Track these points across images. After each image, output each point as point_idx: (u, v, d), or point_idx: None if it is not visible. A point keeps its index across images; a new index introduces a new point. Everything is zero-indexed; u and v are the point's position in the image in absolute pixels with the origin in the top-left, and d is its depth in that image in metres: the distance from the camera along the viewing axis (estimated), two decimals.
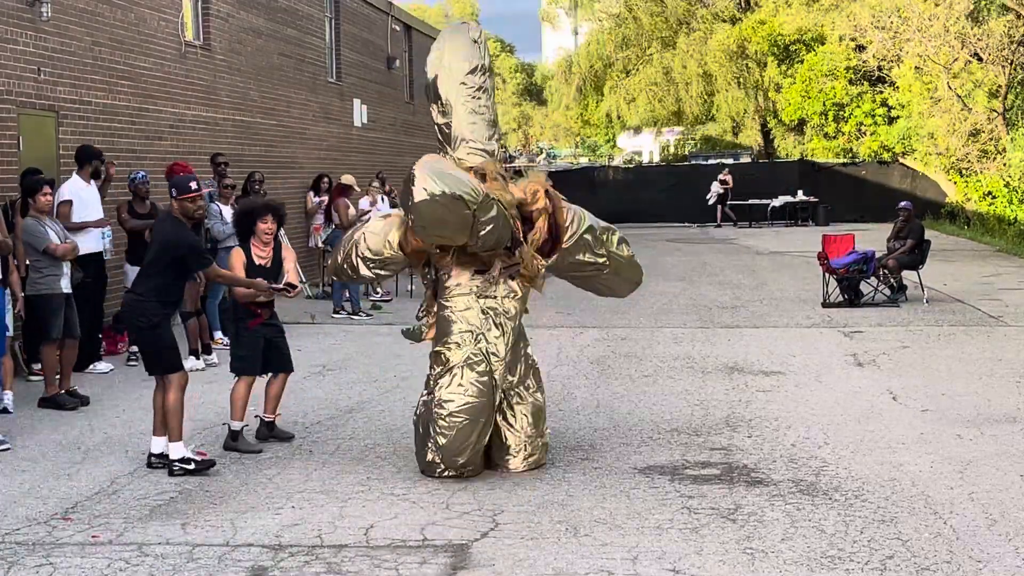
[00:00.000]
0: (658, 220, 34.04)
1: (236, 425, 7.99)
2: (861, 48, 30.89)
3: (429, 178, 6.80)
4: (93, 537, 6.10)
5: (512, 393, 7.46)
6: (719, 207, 33.15)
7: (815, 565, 5.51)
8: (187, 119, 15.11)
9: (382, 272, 7.87)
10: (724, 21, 38.15)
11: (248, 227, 8.20)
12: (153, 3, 14.25)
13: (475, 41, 7.61)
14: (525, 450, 7.40)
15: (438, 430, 7.08)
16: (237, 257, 8.11)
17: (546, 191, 7.49)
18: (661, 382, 10.27)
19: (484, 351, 7.20)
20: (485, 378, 7.15)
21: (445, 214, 6.84)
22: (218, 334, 12.45)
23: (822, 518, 6.23)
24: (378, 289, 16.75)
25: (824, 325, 13.59)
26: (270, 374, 8.25)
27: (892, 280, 15.40)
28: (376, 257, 7.64)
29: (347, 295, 14.97)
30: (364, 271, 7.73)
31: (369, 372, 10.96)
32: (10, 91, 11.18)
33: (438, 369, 7.26)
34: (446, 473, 7.16)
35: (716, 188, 33.02)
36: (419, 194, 6.78)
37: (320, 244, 16.97)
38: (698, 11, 38.52)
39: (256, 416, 8.34)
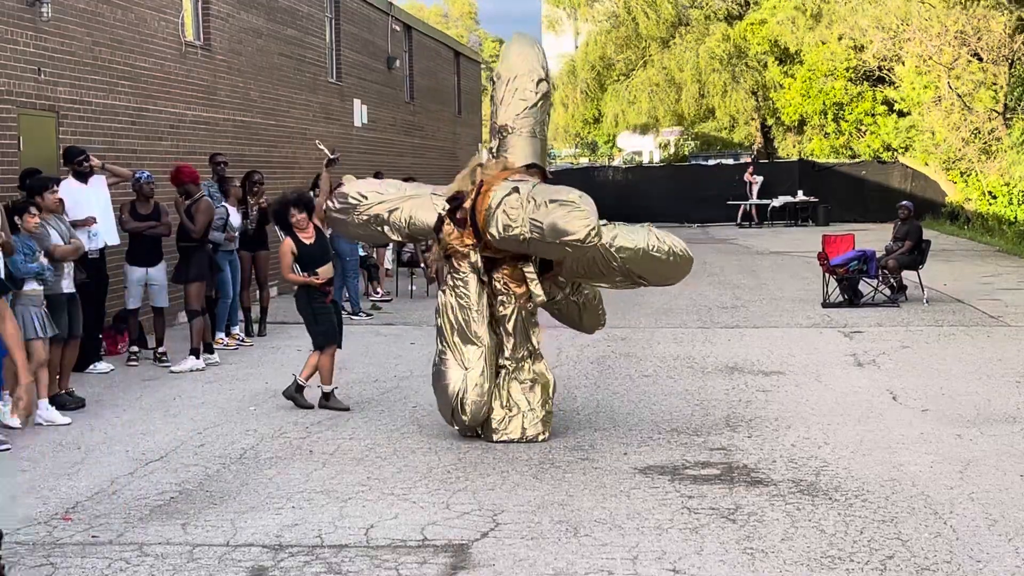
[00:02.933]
0: (658, 220, 34.03)
1: (327, 388, 9.29)
2: (861, 48, 30.90)
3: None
4: (93, 537, 6.10)
5: (504, 372, 8.25)
6: (743, 206, 33.05)
7: (815, 565, 5.51)
8: (187, 119, 15.11)
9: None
10: (721, 20, 38.17)
11: (284, 220, 9.48)
12: (153, 3, 14.25)
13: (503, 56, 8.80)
14: (516, 423, 8.14)
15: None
16: (286, 245, 9.36)
17: (481, 182, 8.20)
18: (661, 382, 10.27)
19: (443, 329, 8.24)
20: (448, 352, 8.20)
21: (336, 224, 8.95)
22: (220, 334, 12.45)
23: (822, 518, 6.23)
24: (378, 289, 16.76)
25: (824, 325, 13.59)
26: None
27: (892, 280, 15.41)
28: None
29: (347, 295, 14.97)
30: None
31: (369, 372, 10.96)
32: (10, 91, 11.18)
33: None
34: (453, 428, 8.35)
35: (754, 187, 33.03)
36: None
37: None
38: (693, 12, 38.52)
39: (318, 387, 9.39)
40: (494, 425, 8.17)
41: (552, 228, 7.48)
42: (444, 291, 8.34)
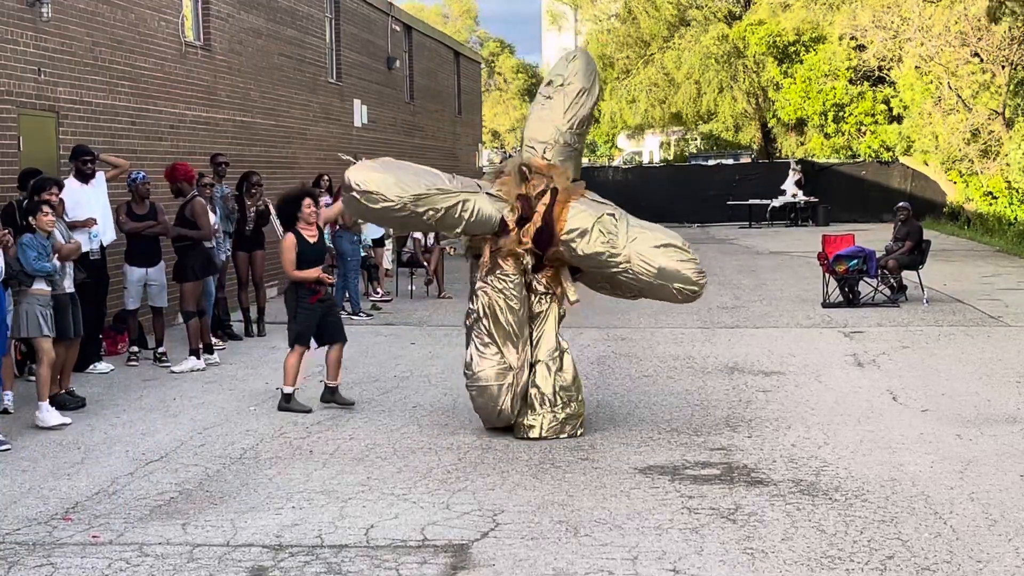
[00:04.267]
0: (658, 220, 33.95)
1: (288, 389, 9.20)
2: (861, 48, 30.88)
3: (347, 178, 7.96)
4: (93, 537, 6.10)
5: (536, 370, 8.30)
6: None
7: (815, 565, 5.51)
8: (187, 120, 15.11)
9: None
10: (721, 20, 38.18)
11: (293, 212, 9.30)
12: (153, 3, 14.25)
13: (567, 61, 8.76)
14: (547, 420, 8.22)
15: (471, 396, 8.36)
16: (289, 241, 9.21)
17: (554, 189, 8.27)
18: (661, 382, 10.27)
19: (488, 329, 8.19)
20: (493, 351, 8.17)
21: (362, 209, 8.11)
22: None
23: (822, 518, 6.23)
24: (378, 290, 16.75)
25: (824, 325, 13.59)
26: (327, 345, 9.36)
27: (892, 280, 15.41)
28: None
29: (347, 295, 14.96)
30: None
31: (369, 372, 10.96)
32: (10, 91, 11.18)
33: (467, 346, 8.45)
34: (489, 426, 8.40)
35: (791, 187, 32.62)
36: (343, 193, 8.17)
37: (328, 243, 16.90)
38: (694, 12, 38.53)
39: (321, 382, 9.62)
40: (526, 422, 8.25)
41: (664, 271, 8.12)
42: (486, 292, 8.23)
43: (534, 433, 8.19)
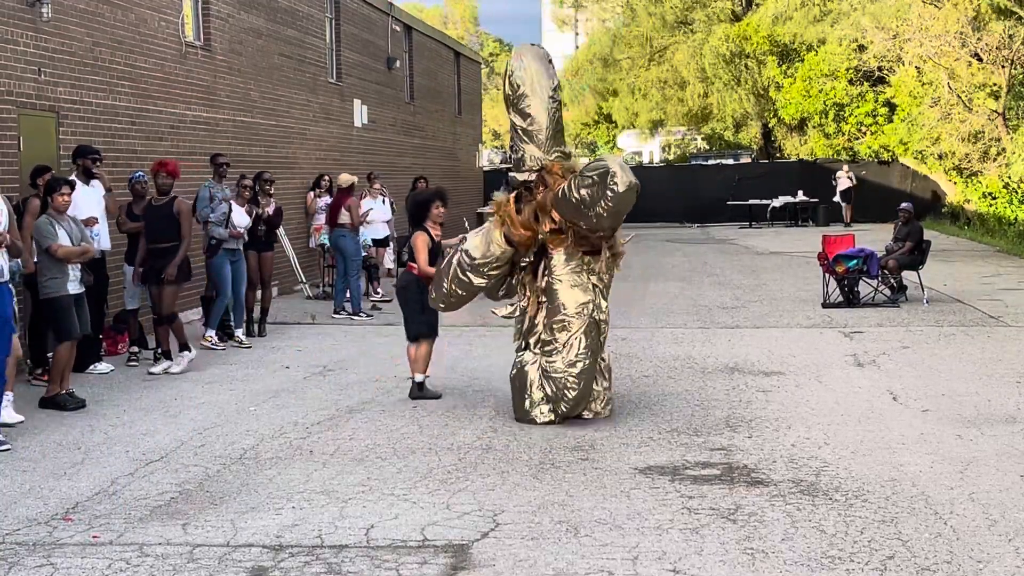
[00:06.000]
0: (658, 220, 34.06)
1: (419, 378, 9.60)
2: (862, 48, 30.91)
3: (627, 171, 8.23)
4: (93, 537, 6.10)
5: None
6: (847, 205, 32.28)
7: (815, 565, 5.51)
8: (187, 120, 15.11)
9: (495, 272, 8.79)
10: (723, 21, 38.23)
11: (423, 213, 9.60)
12: (153, 3, 14.25)
13: (550, 62, 8.94)
14: (601, 400, 8.74)
15: (569, 385, 8.47)
16: (422, 239, 9.46)
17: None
18: (661, 383, 10.27)
19: (596, 319, 8.53)
20: (596, 342, 8.53)
21: (631, 202, 8.31)
22: (210, 332, 12.37)
23: (822, 518, 6.23)
24: (378, 290, 16.75)
25: (824, 325, 13.59)
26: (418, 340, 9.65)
27: (892, 280, 15.42)
28: (486, 260, 8.69)
29: (348, 295, 14.96)
30: (477, 280, 8.78)
31: (369, 372, 10.96)
32: (10, 91, 11.19)
33: (562, 337, 8.48)
34: (554, 419, 8.59)
35: (842, 184, 32.25)
36: (624, 184, 8.14)
37: (326, 243, 16.92)
38: (697, 13, 38.58)
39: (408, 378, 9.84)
40: (602, 405, 8.82)
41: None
42: (593, 289, 8.56)
43: (583, 414, 8.67)
